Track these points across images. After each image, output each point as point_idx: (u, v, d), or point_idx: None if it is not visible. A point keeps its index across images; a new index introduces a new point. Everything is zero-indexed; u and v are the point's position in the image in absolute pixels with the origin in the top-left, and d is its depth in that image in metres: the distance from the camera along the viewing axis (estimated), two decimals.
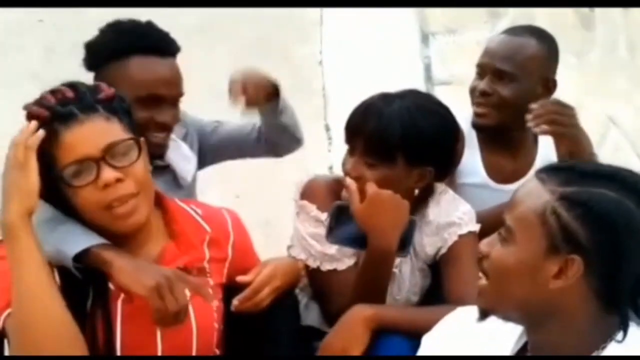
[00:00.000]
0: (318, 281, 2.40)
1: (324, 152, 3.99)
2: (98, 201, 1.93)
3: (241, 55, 4.22)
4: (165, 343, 2.01)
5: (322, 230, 2.35)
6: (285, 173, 2.82)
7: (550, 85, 2.78)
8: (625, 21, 5.01)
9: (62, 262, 1.94)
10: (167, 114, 2.42)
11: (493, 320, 1.64)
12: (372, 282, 2.31)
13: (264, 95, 2.62)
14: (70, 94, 1.96)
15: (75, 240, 1.96)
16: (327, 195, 2.40)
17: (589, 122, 2.99)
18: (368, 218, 2.26)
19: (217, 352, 2.17)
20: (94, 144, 1.92)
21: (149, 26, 2.47)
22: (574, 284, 1.52)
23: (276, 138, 2.78)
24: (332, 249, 2.36)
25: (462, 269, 2.38)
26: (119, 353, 1.98)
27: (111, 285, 1.98)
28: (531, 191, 1.57)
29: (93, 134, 1.94)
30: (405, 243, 2.31)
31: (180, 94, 2.47)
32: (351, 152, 2.34)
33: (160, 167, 2.52)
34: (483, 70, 2.75)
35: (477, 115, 2.76)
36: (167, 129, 2.44)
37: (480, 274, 1.63)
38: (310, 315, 2.49)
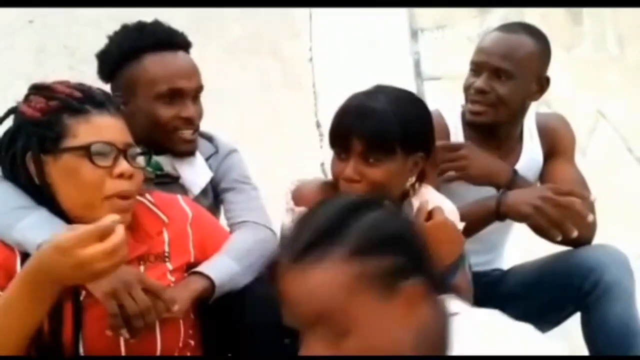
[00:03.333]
0: None
1: (316, 149, 4.00)
2: (105, 187, 1.99)
3: (231, 52, 4.22)
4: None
5: None
6: (277, 170, 2.83)
7: (543, 82, 2.80)
8: (614, 16, 5.02)
9: (28, 251, 1.95)
10: (190, 108, 2.41)
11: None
12: None
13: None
14: (100, 91, 2.09)
15: (42, 229, 1.96)
16: (314, 196, 2.38)
17: (579, 116, 3.01)
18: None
19: (192, 343, 2.19)
20: (120, 136, 2.03)
21: (156, 24, 2.48)
22: None
23: None
24: None
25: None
26: (81, 345, 1.99)
27: None
28: None
29: (120, 128, 2.04)
30: (444, 280, 2.30)
31: (200, 86, 2.46)
32: (346, 155, 2.31)
33: (173, 177, 2.51)
34: (479, 67, 2.75)
35: (473, 113, 2.77)
36: (193, 123, 2.44)
37: None
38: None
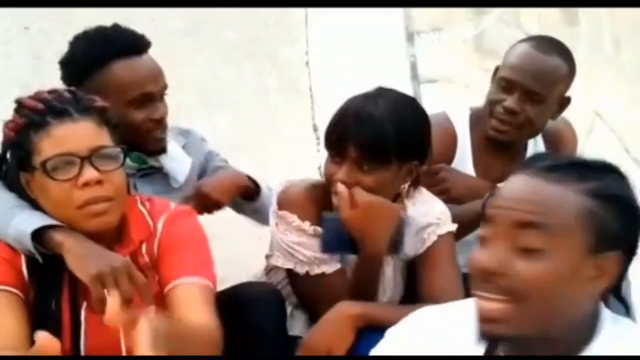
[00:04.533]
0: (307, 287, 2.38)
1: (313, 153, 3.99)
2: (73, 199, 1.97)
3: (228, 57, 4.22)
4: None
5: (306, 239, 2.34)
6: (274, 174, 2.83)
7: (564, 102, 2.77)
8: (610, 17, 5.02)
9: (23, 244, 1.98)
10: (160, 109, 2.46)
11: (455, 313, 1.60)
12: (364, 285, 2.32)
13: (236, 195, 2.66)
14: (67, 94, 2.04)
15: (35, 221, 1.99)
16: (305, 202, 2.40)
17: (576, 117, 3.01)
18: (359, 225, 2.26)
19: None
20: (83, 142, 1.98)
21: (117, 28, 2.48)
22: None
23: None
24: (318, 250, 2.35)
25: (442, 269, 2.39)
26: (82, 344, 2.00)
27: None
28: (552, 194, 1.45)
29: (83, 133, 1.99)
30: (397, 243, 2.32)
31: (165, 85, 2.49)
32: (340, 159, 2.31)
33: (155, 168, 2.54)
34: (511, 86, 2.70)
35: (497, 130, 2.74)
36: (162, 122, 2.47)
37: (492, 295, 1.44)
38: (296, 325, 2.48)
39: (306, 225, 2.36)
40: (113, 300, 1.76)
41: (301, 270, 2.37)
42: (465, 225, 2.53)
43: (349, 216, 2.25)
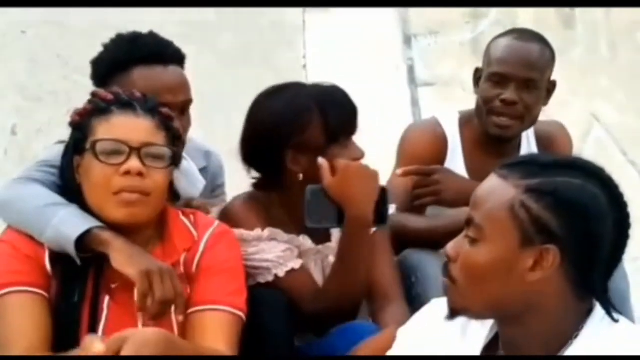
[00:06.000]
0: (285, 290, 2.38)
1: None
2: (112, 184, 2.02)
3: (224, 62, 4.23)
4: None
5: (264, 244, 2.34)
6: None
7: (550, 87, 2.80)
8: (606, 20, 5.04)
9: (63, 246, 2.01)
10: (175, 122, 2.41)
11: None
12: (353, 256, 2.32)
13: None
14: (138, 94, 2.14)
15: (77, 224, 2.02)
16: (246, 213, 2.40)
17: (573, 120, 3.02)
18: (342, 191, 2.29)
19: None
20: (137, 134, 2.06)
21: (150, 36, 2.49)
22: (551, 275, 1.54)
23: None
24: (278, 250, 2.35)
25: (381, 257, 2.43)
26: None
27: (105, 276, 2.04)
28: (494, 188, 1.59)
29: (140, 127, 2.08)
30: (381, 213, 2.33)
31: (188, 100, 2.48)
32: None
33: None
34: (505, 79, 2.70)
35: (500, 127, 2.74)
36: (178, 137, 2.44)
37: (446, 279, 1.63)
38: None
39: (257, 232, 2.37)
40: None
41: (270, 277, 2.36)
42: (451, 233, 2.54)
43: (330, 182, 2.28)
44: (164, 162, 2.09)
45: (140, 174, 2.02)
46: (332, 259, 2.40)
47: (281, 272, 2.35)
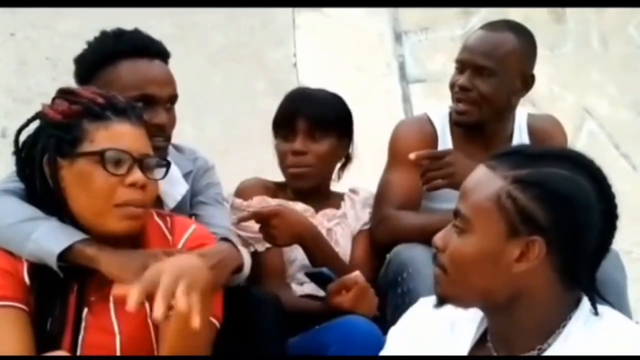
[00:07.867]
0: (257, 265, 2.45)
1: None
2: (116, 195, 1.99)
3: (215, 61, 4.22)
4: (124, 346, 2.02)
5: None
6: (269, 176, 2.83)
7: (528, 80, 2.80)
8: (597, 14, 5.04)
9: (44, 260, 1.97)
10: (162, 115, 2.40)
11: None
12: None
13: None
14: (122, 99, 2.09)
15: (59, 238, 1.98)
16: (259, 190, 2.69)
17: (565, 114, 3.01)
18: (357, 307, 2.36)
19: None
20: (138, 145, 2.03)
21: (134, 32, 2.48)
22: (537, 265, 1.55)
23: None
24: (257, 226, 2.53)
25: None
26: (79, 346, 2.00)
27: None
28: (482, 179, 1.60)
29: (139, 138, 2.05)
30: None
31: (174, 95, 2.45)
32: (292, 135, 2.72)
33: None
34: (463, 65, 2.76)
35: (458, 112, 2.78)
36: (164, 131, 2.42)
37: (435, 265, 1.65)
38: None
39: (249, 201, 2.62)
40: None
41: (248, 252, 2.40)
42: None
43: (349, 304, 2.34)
44: (160, 174, 2.09)
45: (142, 186, 2.01)
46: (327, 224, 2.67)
47: (260, 249, 2.56)
